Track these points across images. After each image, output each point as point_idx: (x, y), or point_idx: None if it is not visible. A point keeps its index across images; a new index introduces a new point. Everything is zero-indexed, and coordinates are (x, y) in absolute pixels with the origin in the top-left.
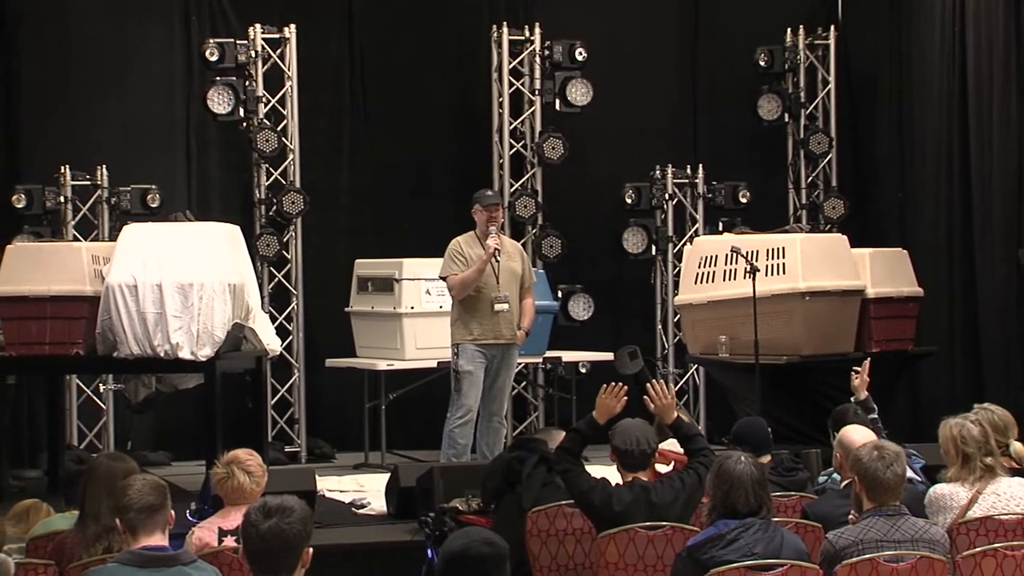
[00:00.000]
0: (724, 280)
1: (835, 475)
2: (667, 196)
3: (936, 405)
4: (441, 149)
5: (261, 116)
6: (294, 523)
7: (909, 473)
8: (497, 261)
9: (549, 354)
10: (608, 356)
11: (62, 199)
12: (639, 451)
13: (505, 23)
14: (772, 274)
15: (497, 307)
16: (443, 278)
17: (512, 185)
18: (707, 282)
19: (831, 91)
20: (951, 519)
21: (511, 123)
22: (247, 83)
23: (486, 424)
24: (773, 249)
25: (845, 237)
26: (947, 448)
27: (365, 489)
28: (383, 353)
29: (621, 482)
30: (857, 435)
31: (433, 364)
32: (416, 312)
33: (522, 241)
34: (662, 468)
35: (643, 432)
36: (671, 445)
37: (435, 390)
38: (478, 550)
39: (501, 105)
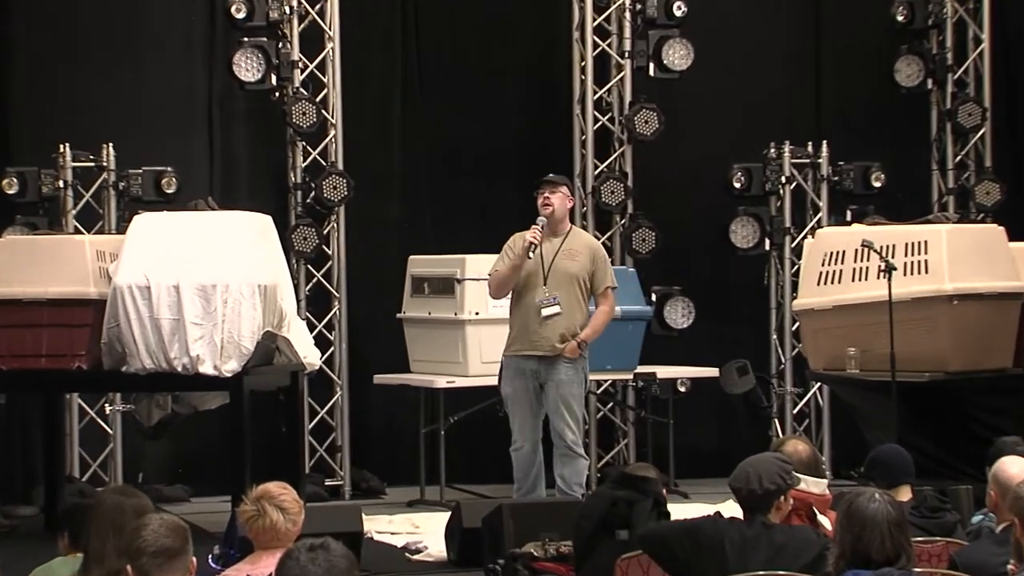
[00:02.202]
0: (853, 280)
1: (990, 517)
2: (784, 179)
3: None
4: (511, 124)
5: (297, 84)
6: (338, 562)
7: None
8: (530, 257)
9: (641, 369)
10: (712, 372)
11: (61, 184)
12: (747, 490)
13: None
14: (912, 273)
15: (544, 311)
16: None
17: (597, 167)
18: (832, 283)
19: (984, 52)
20: None
21: (595, 92)
22: (280, 45)
23: (557, 453)
24: (913, 243)
25: (1002, 228)
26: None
27: (421, 530)
28: (442, 368)
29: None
30: (1015, 468)
31: None
32: (482, 319)
33: (608, 234)
34: (825, 522)
35: (764, 468)
36: (812, 486)
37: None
38: None
39: (583, 71)
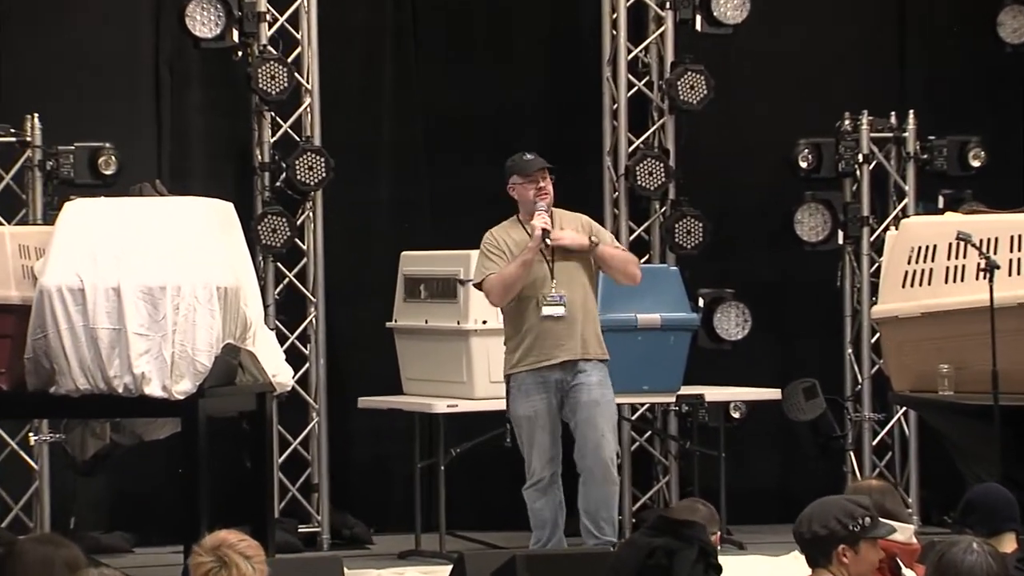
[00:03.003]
0: (947, 282)
1: None
2: (861, 158)
3: None
4: (527, 90)
5: (264, 42)
6: None
7: None
8: (547, 245)
9: (685, 391)
10: (774, 394)
11: None
12: (797, 534)
13: None
14: (1019, 273)
15: (546, 311)
16: (477, 286)
17: (631, 143)
18: (921, 285)
19: None
20: None
21: (630, 51)
22: None
23: (583, 486)
24: (1021, 236)
25: None
26: None
27: None
28: (442, 388)
29: None
30: None
31: None
32: (490, 329)
33: (645, 225)
34: None
35: (820, 508)
36: (896, 533)
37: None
38: None
39: (615, 24)
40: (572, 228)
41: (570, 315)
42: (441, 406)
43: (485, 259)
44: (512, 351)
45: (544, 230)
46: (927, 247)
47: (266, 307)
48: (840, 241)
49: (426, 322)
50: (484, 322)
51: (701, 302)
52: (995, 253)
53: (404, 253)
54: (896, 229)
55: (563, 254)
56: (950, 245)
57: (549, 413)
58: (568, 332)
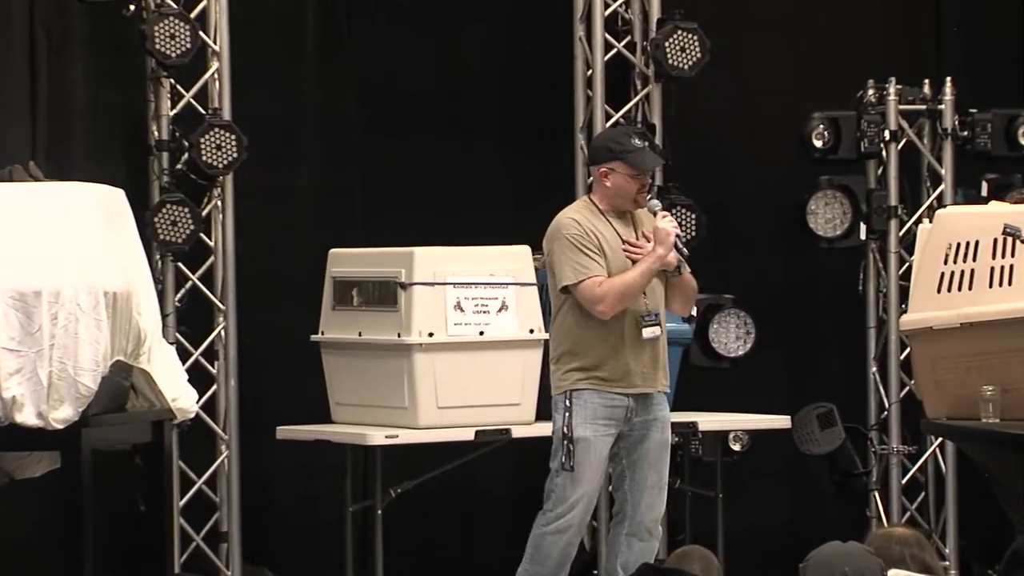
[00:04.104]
0: (991, 286)
1: None
2: (888, 136)
3: None
4: (482, 54)
5: None
6: None
7: None
8: (680, 256)
9: (675, 418)
10: (782, 422)
11: None
12: None
13: None
14: None
15: (647, 333)
16: (569, 288)
17: (609, 116)
18: (960, 289)
19: None
20: None
21: (607, 5)
22: None
23: (628, 538)
24: None
25: None
26: None
27: None
28: (380, 416)
29: None
30: None
31: (470, 435)
32: (438, 343)
33: None
34: None
35: (824, 558)
36: None
37: (476, 480)
38: None
39: None
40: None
41: (660, 339)
42: (378, 437)
43: (578, 253)
44: (579, 363)
45: (677, 235)
46: (968, 243)
47: (164, 316)
48: (863, 236)
49: (360, 335)
50: (431, 334)
51: (695, 310)
52: None
53: (333, 251)
54: (930, 222)
55: None
56: (995, 241)
57: (606, 447)
58: (653, 359)
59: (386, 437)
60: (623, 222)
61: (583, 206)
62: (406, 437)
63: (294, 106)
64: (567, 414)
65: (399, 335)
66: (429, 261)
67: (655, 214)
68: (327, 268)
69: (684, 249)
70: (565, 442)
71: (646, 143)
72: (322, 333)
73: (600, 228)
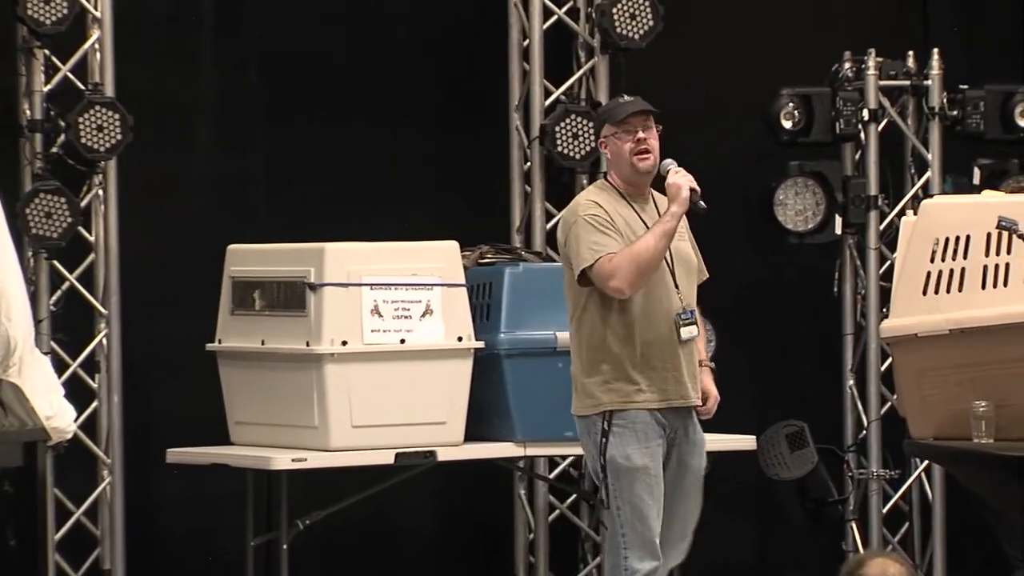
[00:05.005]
0: (984, 288)
1: None
2: (867, 115)
3: None
4: (402, 23)
5: None
6: None
7: None
8: (702, 211)
9: None
10: (747, 442)
11: None
12: None
13: None
14: None
15: (684, 333)
16: (587, 271)
17: (549, 93)
18: (949, 291)
19: None
20: None
21: None
22: None
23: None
24: None
25: None
26: None
27: None
28: (286, 436)
29: None
30: None
31: (389, 458)
32: (353, 353)
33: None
34: None
35: None
36: None
37: (396, 511)
38: None
39: None
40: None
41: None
42: (284, 460)
43: (596, 232)
44: (613, 374)
45: (692, 190)
46: (958, 239)
47: (37, 323)
48: (838, 231)
49: (262, 343)
50: (344, 343)
51: None
52: None
53: (232, 247)
54: (915, 214)
55: (681, 251)
56: (989, 236)
57: (662, 470)
58: (690, 364)
59: (293, 461)
60: (646, 206)
61: (600, 187)
62: (316, 461)
63: (186, 82)
64: (602, 440)
65: (308, 343)
66: (342, 259)
67: (669, 171)
68: (225, 267)
69: (702, 203)
70: (602, 477)
71: (635, 98)
72: (219, 341)
73: (621, 211)
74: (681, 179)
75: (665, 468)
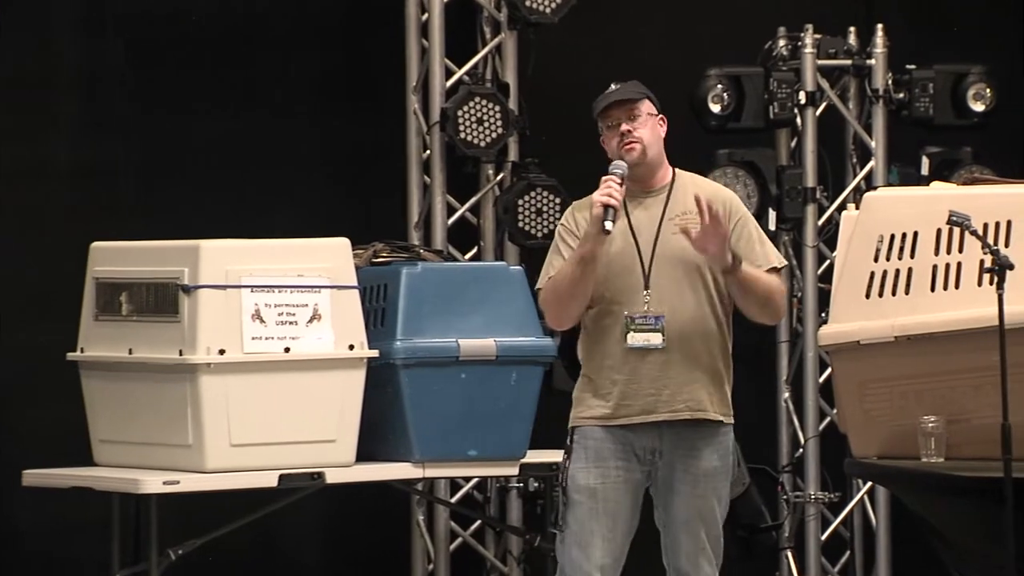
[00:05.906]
0: (933, 290)
1: None
2: (803, 98)
3: None
4: None
5: None
6: None
7: None
8: (607, 231)
9: (533, 457)
10: None
11: None
12: None
13: None
14: None
15: (631, 339)
16: (539, 292)
17: (451, 73)
18: (895, 294)
19: None
20: None
21: None
22: None
23: None
24: None
25: None
26: None
27: None
28: (157, 456)
29: None
30: None
31: (272, 480)
32: (231, 363)
33: (473, 200)
34: None
35: None
36: None
37: (280, 538)
38: None
39: None
40: (693, 213)
41: (670, 346)
42: (154, 483)
43: (554, 252)
44: (581, 390)
45: (606, 207)
46: (904, 236)
47: None
48: (772, 226)
49: (130, 352)
50: (221, 352)
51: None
52: (1008, 246)
53: (96, 245)
54: (857, 208)
55: (671, 248)
56: (939, 233)
57: (625, 492)
58: (664, 374)
59: (164, 483)
60: (647, 196)
61: (611, 176)
62: (189, 483)
63: (42, 56)
64: (566, 459)
65: (181, 352)
66: (219, 258)
67: (601, 182)
68: (88, 266)
69: (608, 223)
70: (563, 496)
71: (621, 84)
72: (81, 350)
73: (630, 209)
74: (598, 194)
75: (655, 491)
